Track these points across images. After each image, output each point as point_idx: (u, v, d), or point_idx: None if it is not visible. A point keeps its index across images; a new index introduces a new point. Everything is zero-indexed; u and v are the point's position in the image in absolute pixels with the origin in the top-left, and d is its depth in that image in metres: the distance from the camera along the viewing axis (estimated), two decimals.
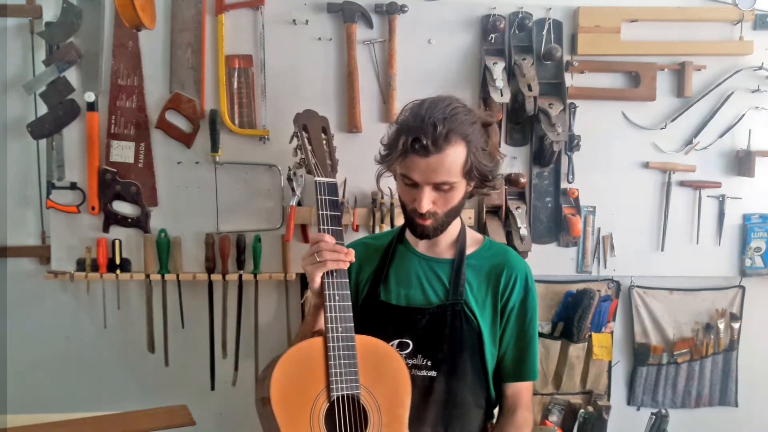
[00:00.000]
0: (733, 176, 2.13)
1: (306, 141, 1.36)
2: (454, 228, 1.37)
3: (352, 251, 1.23)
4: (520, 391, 1.36)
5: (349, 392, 1.16)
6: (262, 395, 1.16)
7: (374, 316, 1.34)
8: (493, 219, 2.05)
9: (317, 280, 1.20)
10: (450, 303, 1.31)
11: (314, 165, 1.32)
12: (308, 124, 1.39)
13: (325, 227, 1.24)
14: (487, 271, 1.36)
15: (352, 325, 1.20)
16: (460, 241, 1.37)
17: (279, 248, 2.04)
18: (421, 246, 1.39)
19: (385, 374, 1.21)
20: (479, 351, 1.33)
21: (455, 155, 1.22)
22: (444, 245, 1.38)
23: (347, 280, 1.23)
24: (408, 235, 1.41)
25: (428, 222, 1.28)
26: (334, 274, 1.21)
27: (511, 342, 1.36)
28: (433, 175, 1.23)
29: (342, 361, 1.16)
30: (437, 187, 1.25)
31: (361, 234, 2.02)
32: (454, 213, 1.31)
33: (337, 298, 1.20)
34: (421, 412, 1.30)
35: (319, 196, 1.28)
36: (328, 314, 1.19)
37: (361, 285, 1.41)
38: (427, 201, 1.25)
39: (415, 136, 1.20)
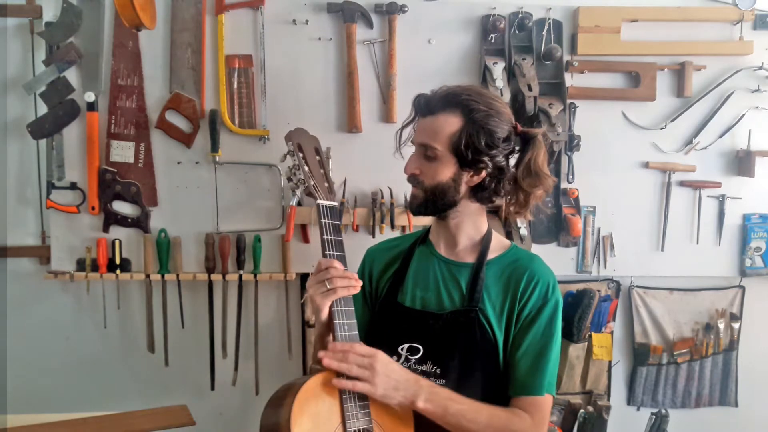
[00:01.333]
0: (733, 176, 2.13)
1: (303, 162, 1.30)
2: (473, 229, 1.32)
3: (358, 278, 1.20)
4: (526, 405, 1.23)
5: (363, 427, 1.15)
6: (277, 427, 1.13)
7: (389, 317, 1.31)
8: (493, 219, 2.03)
9: (325, 310, 1.17)
10: (464, 309, 1.26)
11: (314, 187, 1.27)
12: (302, 143, 1.33)
13: (331, 252, 1.21)
14: (507, 276, 1.29)
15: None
16: (483, 244, 1.32)
17: (279, 248, 2.04)
18: (442, 248, 1.34)
19: (388, 405, 1.20)
20: (493, 362, 1.26)
21: (446, 122, 1.23)
22: (465, 248, 1.32)
23: (353, 308, 1.19)
24: (431, 235, 1.38)
25: (415, 191, 1.29)
26: (342, 302, 1.18)
27: (522, 351, 1.25)
28: (421, 135, 1.26)
29: (355, 399, 1.14)
30: (425, 153, 1.26)
31: (362, 234, 2.02)
32: (442, 194, 1.26)
33: (346, 327, 1.17)
34: (429, 422, 1.25)
35: (322, 220, 1.23)
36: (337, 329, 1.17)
37: (381, 288, 1.37)
38: (413, 163, 1.27)
39: (419, 93, 1.28)
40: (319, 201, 1.25)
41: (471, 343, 1.24)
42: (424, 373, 1.25)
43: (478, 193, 1.29)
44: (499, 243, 1.35)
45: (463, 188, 1.27)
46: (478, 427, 1.17)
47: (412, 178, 1.28)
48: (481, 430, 1.17)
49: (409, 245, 1.39)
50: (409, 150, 1.33)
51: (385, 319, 1.29)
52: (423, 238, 1.40)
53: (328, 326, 1.18)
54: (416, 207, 1.30)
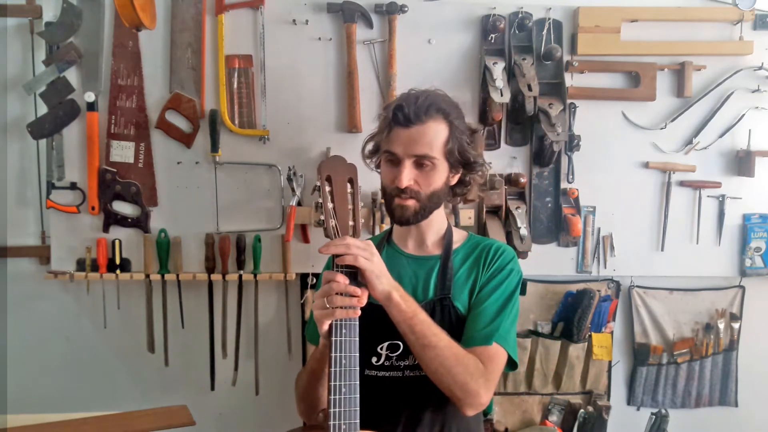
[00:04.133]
0: (733, 176, 2.13)
1: (329, 197, 1.17)
2: (440, 224, 1.38)
3: (366, 295, 1.14)
4: (477, 355, 1.21)
5: None
6: None
7: (365, 319, 1.29)
8: (493, 219, 2.05)
9: (325, 326, 1.12)
10: (438, 298, 1.30)
11: (334, 229, 1.15)
12: (333, 175, 1.18)
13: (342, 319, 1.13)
14: (476, 256, 1.35)
15: (357, 395, 1.11)
16: (447, 237, 1.37)
17: (279, 248, 2.04)
18: (410, 247, 1.38)
19: None
20: None
21: (436, 130, 1.26)
22: (432, 243, 1.37)
23: (356, 323, 1.13)
24: (395, 236, 1.41)
25: (409, 202, 1.28)
26: (344, 331, 1.10)
27: (473, 304, 1.29)
28: (413, 147, 1.26)
29: None
30: (418, 163, 1.27)
31: (362, 235, 2.01)
32: (437, 199, 1.31)
33: (344, 347, 1.10)
34: (417, 415, 1.28)
35: (336, 269, 1.14)
36: (333, 396, 1.09)
37: None
38: (407, 175, 1.26)
39: (399, 104, 1.27)
40: None
41: (448, 329, 1.25)
42: (407, 368, 1.28)
43: (456, 189, 1.36)
44: (459, 234, 1.41)
45: (447, 187, 1.33)
46: (440, 342, 1.17)
47: (407, 191, 1.28)
48: (442, 347, 1.17)
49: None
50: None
51: (361, 321, 1.27)
52: (387, 239, 1.43)
53: (329, 341, 1.13)
54: (410, 217, 1.30)
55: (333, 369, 1.09)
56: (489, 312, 1.27)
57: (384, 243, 1.42)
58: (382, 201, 1.97)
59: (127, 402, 2.06)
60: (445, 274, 1.32)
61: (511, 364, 1.29)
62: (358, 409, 1.10)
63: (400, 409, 1.29)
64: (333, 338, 1.10)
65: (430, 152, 1.25)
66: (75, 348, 2.09)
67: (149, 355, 2.07)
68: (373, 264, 1.13)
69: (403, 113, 1.26)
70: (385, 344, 1.28)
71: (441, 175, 1.29)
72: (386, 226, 2.00)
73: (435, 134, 1.26)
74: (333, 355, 1.10)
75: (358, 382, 1.11)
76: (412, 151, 1.26)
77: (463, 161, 1.30)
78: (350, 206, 1.20)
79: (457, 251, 1.36)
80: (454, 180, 1.34)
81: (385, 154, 1.30)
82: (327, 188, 1.18)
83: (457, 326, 1.28)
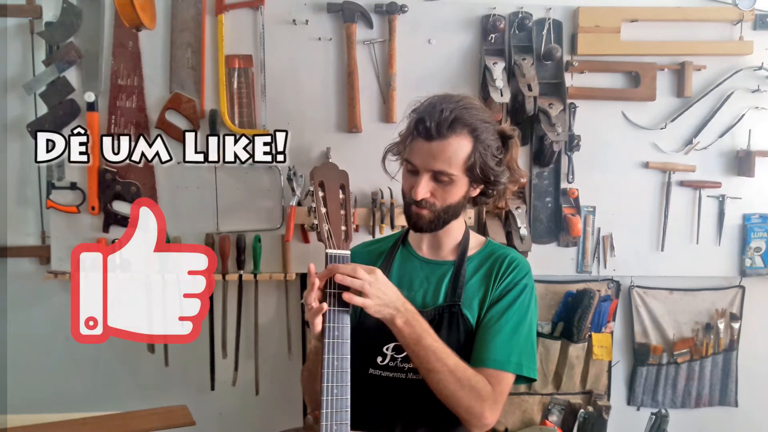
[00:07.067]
0: (733, 176, 2.13)
1: (321, 201, 1.20)
2: (458, 231, 1.36)
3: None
4: (487, 377, 1.21)
5: None
6: None
7: (372, 319, 1.29)
8: (493, 219, 2.05)
9: (318, 326, 1.12)
10: (447, 305, 1.29)
11: (327, 232, 1.18)
12: (325, 181, 1.21)
13: (333, 308, 1.13)
14: (489, 266, 1.33)
15: (348, 396, 1.12)
16: (463, 243, 1.36)
17: (279, 248, 2.04)
18: (424, 250, 1.37)
19: None
20: None
21: (459, 146, 1.22)
22: (447, 249, 1.36)
23: (348, 324, 1.14)
24: (410, 238, 1.40)
25: (424, 212, 1.27)
26: (335, 319, 1.12)
27: (485, 323, 1.27)
28: (432, 162, 1.23)
29: None
30: (436, 177, 1.24)
31: (362, 235, 2.02)
32: (453, 211, 1.29)
33: (335, 348, 1.12)
34: (418, 417, 1.27)
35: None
36: (324, 397, 1.10)
37: None
38: (424, 188, 1.24)
39: (421, 116, 1.23)
40: (327, 251, 1.16)
41: (455, 337, 1.26)
42: (411, 370, 1.26)
43: (477, 199, 1.34)
44: (476, 240, 1.39)
45: (466, 200, 1.31)
46: (443, 368, 1.17)
47: (423, 202, 1.26)
48: (445, 372, 1.17)
49: (389, 247, 1.41)
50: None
51: (370, 319, 1.25)
52: (402, 239, 1.41)
53: (322, 342, 1.13)
54: (425, 226, 1.29)
55: (325, 370, 1.11)
56: (502, 334, 1.25)
57: (399, 243, 1.41)
58: (383, 201, 2.00)
59: (127, 402, 2.06)
60: (457, 281, 1.30)
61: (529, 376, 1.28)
62: (349, 410, 1.11)
63: (399, 413, 1.28)
64: (325, 340, 1.12)
65: (448, 169, 1.23)
66: (75, 348, 2.08)
67: (149, 355, 2.07)
68: (372, 298, 1.12)
69: (424, 126, 1.22)
70: (391, 345, 1.28)
71: (459, 190, 1.27)
72: (386, 227, 2.00)
73: (456, 151, 1.22)
74: (325, 356, 1.11)
75: (348, 384, 1.12)
76: (431, 166, 1.23)
77: (484, 178, 1.27)
78: (342, 212, 1.22)
79: (471, 258, 1.35)
80: (475, 193, 1.31)
81: (406, 162, 1.29)
82: (320, 193, 1.21)
83: (464, 335, 1.27)
